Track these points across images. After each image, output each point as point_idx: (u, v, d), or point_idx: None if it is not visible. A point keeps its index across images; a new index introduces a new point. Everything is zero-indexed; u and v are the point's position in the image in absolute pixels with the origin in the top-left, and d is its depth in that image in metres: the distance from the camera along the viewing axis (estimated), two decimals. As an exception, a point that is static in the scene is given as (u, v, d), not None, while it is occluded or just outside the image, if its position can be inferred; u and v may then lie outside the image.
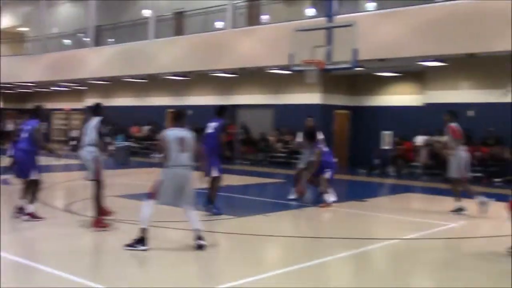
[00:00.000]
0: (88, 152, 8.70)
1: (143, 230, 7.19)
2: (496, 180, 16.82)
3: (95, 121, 8.92)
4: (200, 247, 7.25)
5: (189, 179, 7.44)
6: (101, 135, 8.82)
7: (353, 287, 6.26)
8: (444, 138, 18.16)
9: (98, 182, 8.75)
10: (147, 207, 7.31)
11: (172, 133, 7.43)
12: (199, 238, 7.31)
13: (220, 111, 10.44)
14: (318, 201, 11.67)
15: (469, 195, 10.75)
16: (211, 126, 10.11)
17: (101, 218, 8.62)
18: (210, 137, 9.99)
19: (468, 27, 15.42)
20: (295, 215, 10.91)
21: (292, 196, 11.92)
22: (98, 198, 8.76)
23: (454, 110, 11.48)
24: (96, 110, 9.22)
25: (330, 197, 11.47)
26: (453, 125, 10.96)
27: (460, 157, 10.82)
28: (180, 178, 7.33)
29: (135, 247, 7.11)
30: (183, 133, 7.45)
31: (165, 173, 7.35)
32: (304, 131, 12.17)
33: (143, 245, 7.13)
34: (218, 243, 8.29)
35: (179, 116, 7.75)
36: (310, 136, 11.81)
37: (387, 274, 6.69)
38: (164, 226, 8.80)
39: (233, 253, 7.68)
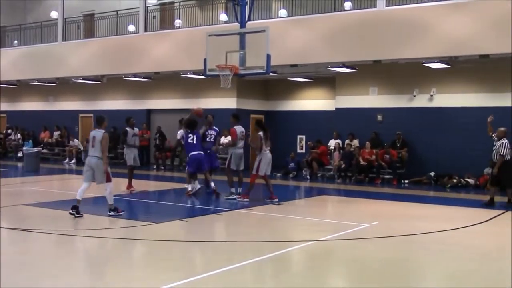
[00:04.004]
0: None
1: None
2: (405, 181, 17.66)
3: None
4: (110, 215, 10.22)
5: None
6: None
7: (274, 290, 6.38)
8: (355, 142, 18.98)
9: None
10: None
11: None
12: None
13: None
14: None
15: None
16: None
17: None
18: None
19: (374, 35, 16.08)
20: (213, 219, 10.93)
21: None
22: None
23: (237, 114, 14.31)
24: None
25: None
26: (234, 127, 13.43)
27: (237, 153, 13.35)
28: None
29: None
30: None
31: None
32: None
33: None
34: (137, 249, 8.23)
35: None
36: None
37: (306, 275, 6.85)
38: (80, 234, 8.60)
39: (151, 259, 7.58)
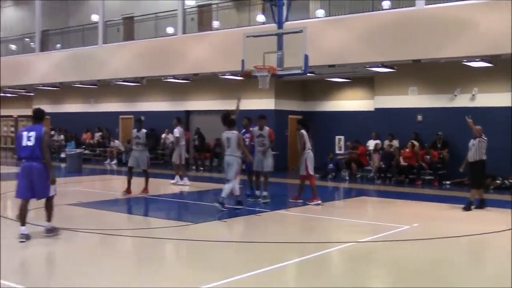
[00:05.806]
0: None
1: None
2: (446, 182, 17.36)
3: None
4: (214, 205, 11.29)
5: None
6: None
7: (314, 292, 6.37)
8: (394, 142, 18.74)
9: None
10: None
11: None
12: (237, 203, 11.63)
13: None
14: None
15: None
16: None
17: None
18: None
19: (413, 34, 15.86)
20: (253, 220, 10.97)
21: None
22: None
23: (264, 115, 13.54)
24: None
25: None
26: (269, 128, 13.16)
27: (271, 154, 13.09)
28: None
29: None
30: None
31: None
32: None
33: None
34: (178, 249, 8.34)
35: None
36: None
37: (346, 277, 6.82)
38: (121, 234, 8.76)
39: (191, 259, 7.66)
